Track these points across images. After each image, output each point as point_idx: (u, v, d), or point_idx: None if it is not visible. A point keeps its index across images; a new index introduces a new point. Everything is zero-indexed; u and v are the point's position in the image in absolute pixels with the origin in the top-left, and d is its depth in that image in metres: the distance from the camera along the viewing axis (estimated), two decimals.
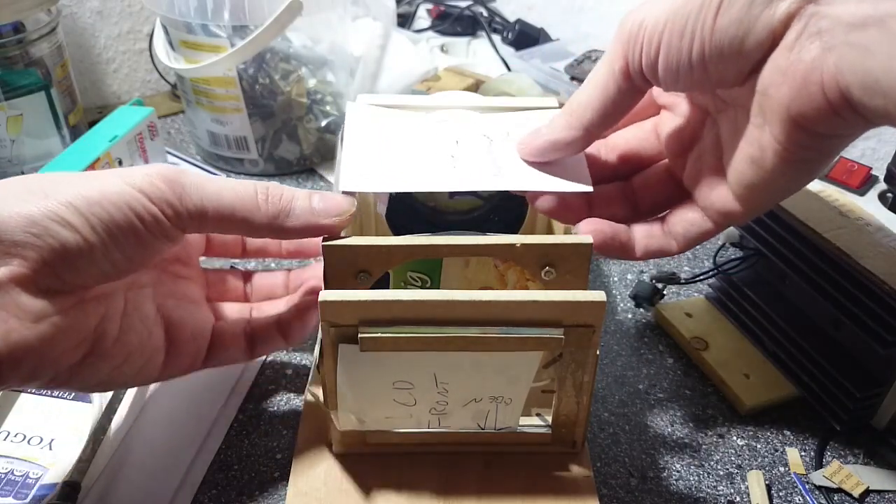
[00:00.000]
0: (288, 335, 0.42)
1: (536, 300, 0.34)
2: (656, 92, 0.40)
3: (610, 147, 0.40)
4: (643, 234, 0.37)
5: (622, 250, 0.37)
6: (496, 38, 1.00)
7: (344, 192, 0.36)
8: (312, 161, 0.73)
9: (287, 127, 0.70)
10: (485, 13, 1.05)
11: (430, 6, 1.07)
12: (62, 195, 0.31)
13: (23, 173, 0.65)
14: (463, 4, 1.06)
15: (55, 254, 0.30)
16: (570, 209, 0.37)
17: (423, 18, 1.06)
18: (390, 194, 0.41)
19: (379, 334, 0.34)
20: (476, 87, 0.81)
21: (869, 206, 0.47)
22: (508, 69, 0.91)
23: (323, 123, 0.71)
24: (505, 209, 0.44)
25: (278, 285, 0.46)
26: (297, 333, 0.42)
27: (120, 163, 0.60)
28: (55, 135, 0.68)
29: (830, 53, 0.27)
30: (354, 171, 0.36)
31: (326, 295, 0.33)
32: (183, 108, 0.77)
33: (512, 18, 1.02)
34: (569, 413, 0.39)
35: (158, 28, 0.69)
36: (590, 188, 0.36)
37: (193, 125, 0.72)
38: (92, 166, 0.56)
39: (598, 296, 0.34)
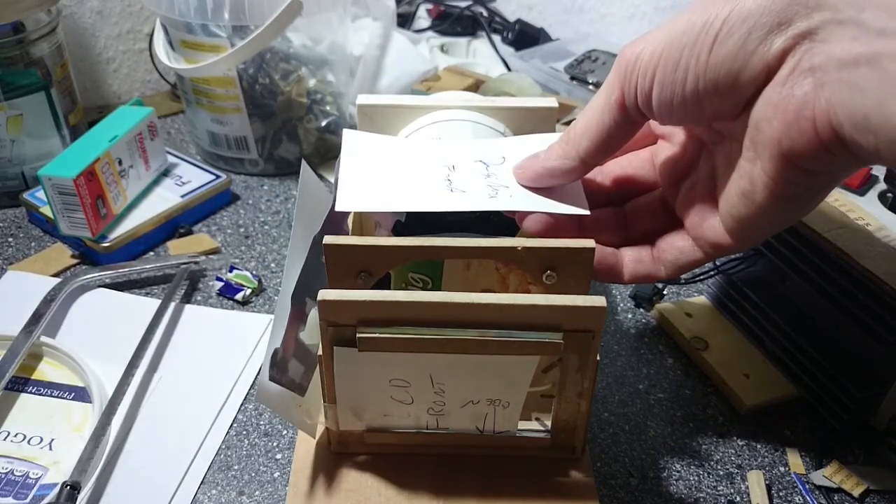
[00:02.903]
0: None
1: (536, 304, 0.33)
2: (653, 122, 0.40)
3: (605, 173, 0.40)
4: (632, 258, 0.37)
5: (609, 273, 0.37)
6: (496, 38, 1.00)
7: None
8: (312, 161, 0.73)
9: (287, 127, 0.70)
10: (485, 13, 1.05)
11: (430, 6, 1.07)
12: None
13: (23, 174, 0.66)
14: (463, 4, 1.06)
15: None
16: (560, 231, 0.37)
17: (423, 18, 1.06)
18: (397, 220, 0.41)
19: (377, 335, 0.34)
20: (476, 87, 0.81)
21: (869, 206, 0.48)
22: (508, 69, 0.91)
23: (323, 123, 0.71)
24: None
25: None
26: None
27: (120, 162, 0.60)
28: (55, 135, 0.68)
29: (823, 90, 0.27)
30: (351, 192, 0.37)
31: (325, 294, 0.33)
32: (183, 108, 0.77)
33: (512, 18, 1.02)
34: (568, 418, 0.39)
35: (158, 28, 0.69)
36: (587, 211, 0.36)
37: (193, 125, 0.72)
38: (92, 166, 0.56)
39: (598, 301, 0.34)
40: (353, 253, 0.34)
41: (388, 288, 0.41)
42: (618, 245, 0.38)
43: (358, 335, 0.34)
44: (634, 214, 0.39)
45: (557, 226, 0.37)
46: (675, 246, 0.36)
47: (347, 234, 0.40)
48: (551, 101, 0.47)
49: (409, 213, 0.40)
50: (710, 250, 0.35)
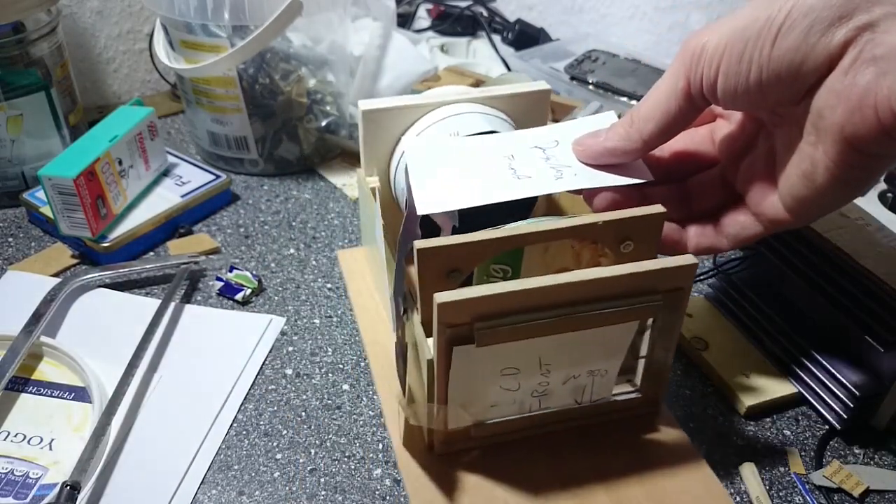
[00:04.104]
0: None
1: (637, 272, 0.35)
2: None
3: (665, 148, 0.41)
4: (696, 232, 0.40)
5: (674, 248, 0.40)
6: (496, 38, 1.00)
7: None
8: (312, 161, 0.73)
9: (287, 127, 0.70)
10: (485, 13, 1.05)
11: (430, 6, 1.07)
12: None
13: (23, 174, 0.66)
14: (463, 4, 1.06)
15: None
16: (625, 208, 0.39)
17: (423, 18, 1.06)
18: (453, 226, 0.42)
19: (495, 327, 0.35)
20: (476, 87, 0.80)
21: (869, 206, 0.48)
22: (508, 69, 0.91)
23: (323, 123, 0.71)
24: None
25: None
26: None
27: (120, 162, 0.60)
28: (55, 135, 0.68)
29: (885, 78, 0.29)
30: (428, 195, 0.38)
31: (443, 297, 0.34)
32: (183, 108, 0.77)
33: (512, 18, 1.02)
34: (657, 371, 0.41)
35: (158, 28, 0.69)
36: (651, 178, 0.39)
37: (193, 125, 0.72)
38: (92, 166, 0.56)
39: (690, 259, 0.36)
40: (445, 253, 0.35)
41: (470, 284, 0.42)
42: (681, 220, 0.41)
43: (476, 330, 0.34)
44: (696, 191, 0.42)
45: (624, 203, 0.39)
46: (738, 220, 0.39)
47: (419, 237, 0.41)
48: (542, 84, 0.49)
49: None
50: (769, 225, 0.38)
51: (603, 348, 0.38)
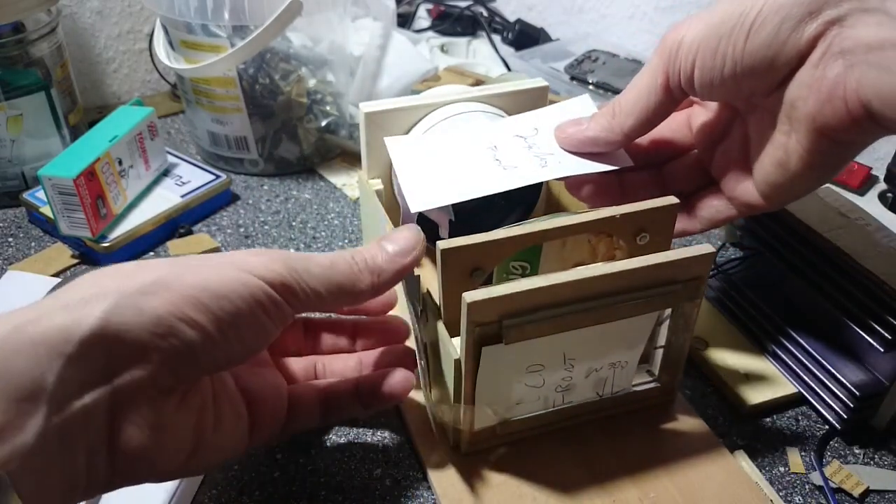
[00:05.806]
0: (368, 404, 0.40)
1: (658, 263, 0.36)
2: None
3: (644, 136, 0.42)
4: None
5: None
6: (496, 38, 1.00)
7: (413, 212, 0.38)
8: (312, 161, 0.73)
9: (287, 127, 0.70)
10: (485, 13, 1.05)
11: (430, 6, 1.07)
12: (186, 287, 0.29)
13: (23, 174, 0.66)
14: (463, 4, 1.06)
15: (179, 355, 0.28)
16: (607, 195, 0.41)
17: (423, 18, 1.06)
18: (449, 220, 0.42)
19: (523, 324, 0.35)
20: (476, 87, 0.81)
21: (869, 206, 0.48)
22: (508, 69, 0.91)
23: (323, 123, 0.71)
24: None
25: (342, 337, 0.44)
26: (378, 403, 0.40)
27: (120, 162, 0.60)
28: (55, 135, 0.68)
29: (852, 71, 0.30)
30: (418, 192, 0.38)
31: (472, 296, 0.34)
32: (183, 108, 0.77)
33: (512, 18, 1.02)
34: (674, 358, 0.41)
35: (158, 28, 0.69)
36: (631, 163, 0.40)
37: (193, 125, 0.72)
38: (92, 166, 0.56)
39: (707, 249, 0.37)
40: (468, 252, 0.35)
41: (489, 282, 0.42)
42: None
43: (504, 328, 0.35)
44: (671, 176, 0.43)
45: (605, 190, 0.41)
46: (712, 204, 0.41)
47: None
48: (540, 81, 0.50)
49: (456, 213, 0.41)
50: (743, 209, 0.39)
51: (624, 340, 0.39)
